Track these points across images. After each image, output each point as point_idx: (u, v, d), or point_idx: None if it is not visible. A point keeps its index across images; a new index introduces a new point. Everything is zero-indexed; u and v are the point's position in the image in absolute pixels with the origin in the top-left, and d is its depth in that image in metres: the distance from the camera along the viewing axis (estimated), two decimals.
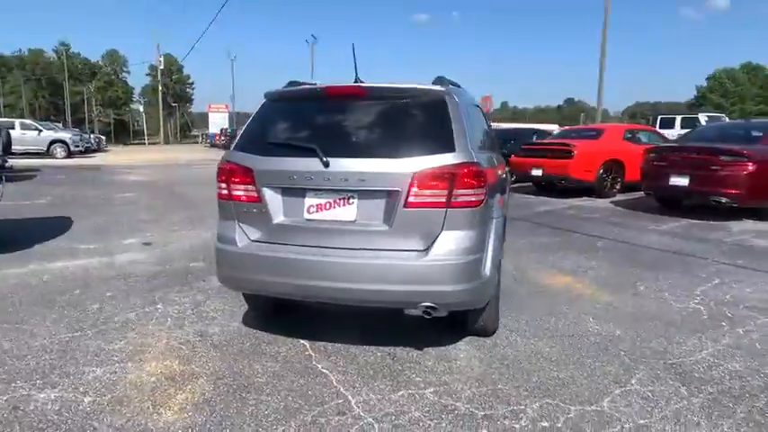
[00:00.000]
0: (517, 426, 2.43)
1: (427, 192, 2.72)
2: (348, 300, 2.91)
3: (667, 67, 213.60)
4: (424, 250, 2.76)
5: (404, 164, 2.75)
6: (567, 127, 19.42)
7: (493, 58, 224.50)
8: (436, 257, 2.72)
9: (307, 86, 3.21)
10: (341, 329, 3.51)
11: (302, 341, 3.36)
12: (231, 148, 3.18)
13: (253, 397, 2.69)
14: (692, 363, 3.09)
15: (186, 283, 4.64)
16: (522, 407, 2.59)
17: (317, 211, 2.88)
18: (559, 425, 2.44)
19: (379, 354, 3.19)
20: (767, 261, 5.52)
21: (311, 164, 2.83)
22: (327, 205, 2.86)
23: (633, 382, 2.85)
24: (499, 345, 3.34)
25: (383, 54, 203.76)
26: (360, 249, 2.80)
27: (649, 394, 2.71)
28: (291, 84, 3.41)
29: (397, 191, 2.75)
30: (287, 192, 2.93)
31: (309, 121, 3.09)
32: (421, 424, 2.45)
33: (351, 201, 2.83)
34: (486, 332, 3.38)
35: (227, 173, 3.05)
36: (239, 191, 3.01)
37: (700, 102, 77.20)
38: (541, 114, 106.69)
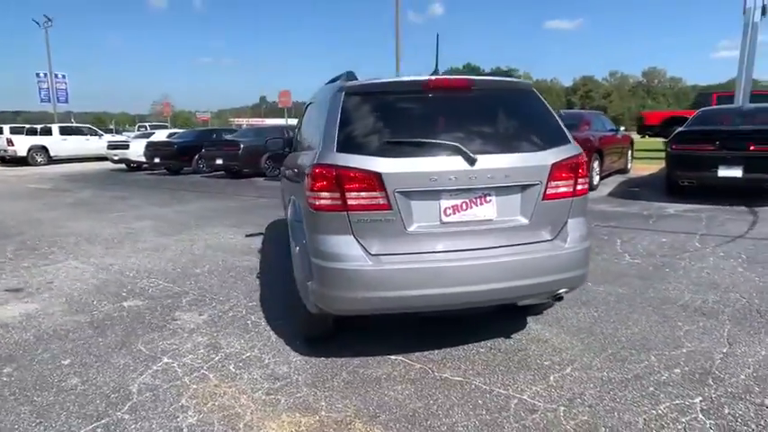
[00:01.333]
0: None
1: (561, 182, 2.80)
2: (491, 301, 2.80)
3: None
4: (552, 239, 2.84)
5: (542, 156, 2.77)
6: None
7: None
8: (570, 245, 2.83)
9: (402, 79, 2.90)
10: (409, 337, 3.32)
11: (394, 357, 3.08)
12: (322, 150, 2.70)
13: (438, 423, 2.41)
14: None
15: (147, 327, 3.66)
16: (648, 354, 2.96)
17: (453, 213, 2.68)
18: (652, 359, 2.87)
19: (482, 350, 3.15)
20: None
21: (453, 162, 2.62)
22: (464, 206, 2.69)
23: None
24: (562, 318, 3.62)
25: None
26: (500, 247, 2.72)
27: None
28: (350, 76, 3.04)
29: (537, 184, 2.76)
30: (421, 195, 2.64)
31: (420, 116, 2.81)
32: (606, 396, 2.58)
33: (488, 198, 2.71)
34: (540, 310, 3.62)
35: (338, 179, 2.59)
36: (361, 199, 2.59)
37: None
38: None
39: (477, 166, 2.63)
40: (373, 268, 2.57)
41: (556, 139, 2.87)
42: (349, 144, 2.65)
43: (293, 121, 20.68)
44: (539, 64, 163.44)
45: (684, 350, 3.07)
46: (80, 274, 5.04)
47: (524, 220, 2.77)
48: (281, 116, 31.89)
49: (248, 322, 3.70)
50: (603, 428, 2.34)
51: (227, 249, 5.93)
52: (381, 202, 2.60)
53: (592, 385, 2.71)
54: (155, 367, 3.03)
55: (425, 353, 3.12)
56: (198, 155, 15.77)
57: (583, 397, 2.61)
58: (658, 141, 15.16)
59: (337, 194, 2.59)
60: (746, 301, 3.84)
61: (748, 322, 3.46)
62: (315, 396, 2.67)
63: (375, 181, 2.58)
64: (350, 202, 2.58)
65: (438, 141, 2.65)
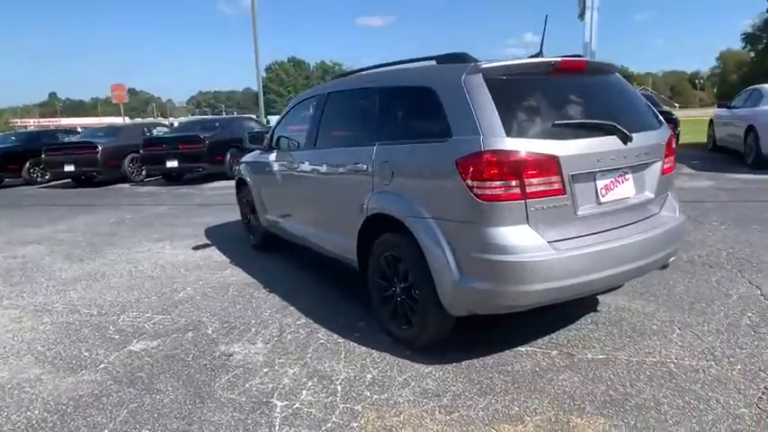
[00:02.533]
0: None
1: (669, 158, 2.97)
2: (638, 276, 2.87)
3: (229, 58, 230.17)
4: (659, 212, 3.01)
5: (662, 133, 2.92)
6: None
7: None
8: (680, 216, 3.03)
9: (534, 60, 2.71)
10: (509, 329, 3.23)
11: (524, 349, 2.97)
12: (486, 137, 2.42)
13: (641, 400, 2.39)
14: None
15: (202, 370, 2.96)
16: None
17: (605, 194, 2.64)
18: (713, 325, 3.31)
19: (590, 326, 3.20)
20: None
21: (612, 142, 2.59)
22: (612, 185, 2.67)
23: None
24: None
25: None
26: (638, 222, 2.79)
27: None
28: (463, 57, 2.79)
29: (659, 160, 2.88)
30: (585, 177, 2.56)
31: (562, 98, 2.69)
32: (731, 342, 2.85)
33: (627, 176, 2.73)
34: None
35: (516, 166, 2.36)
36: (541, 185, 2.40)
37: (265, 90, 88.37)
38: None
39: (631, 144, 2.65)
40: (555, 257, 2.43)
41: (658, 117, 3.04)
42: (513, 129, 2.43)
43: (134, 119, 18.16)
44: (361, 59, 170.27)
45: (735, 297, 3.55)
46: (15, 321, 3.81)
47: (651, 195, 2.88)
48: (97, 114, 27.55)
49: (322, 341, 3.21)
50: (761, 372, 2.58)
51: (189, 266, 5.03)
52: (557, 186, 2.46)
53: (710, 338, 2.97)
54: (278, 415, 2.46)
55: (545, 339, 3.08)
56: (30, 162, 12.98)
57: (713, 348, 2.84)
58: None
59: (514, 182, 2.38)
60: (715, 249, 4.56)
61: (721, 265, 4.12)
62: (501, 403, 2.45)
63: (554, 165, 2.43)
64: (529, 189, 2.39)
65: (599, 122, 2.60)
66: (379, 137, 3.12)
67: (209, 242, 5.94)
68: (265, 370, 2.90)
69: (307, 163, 3.91)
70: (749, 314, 3.26)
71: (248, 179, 5.19)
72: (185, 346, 3.25)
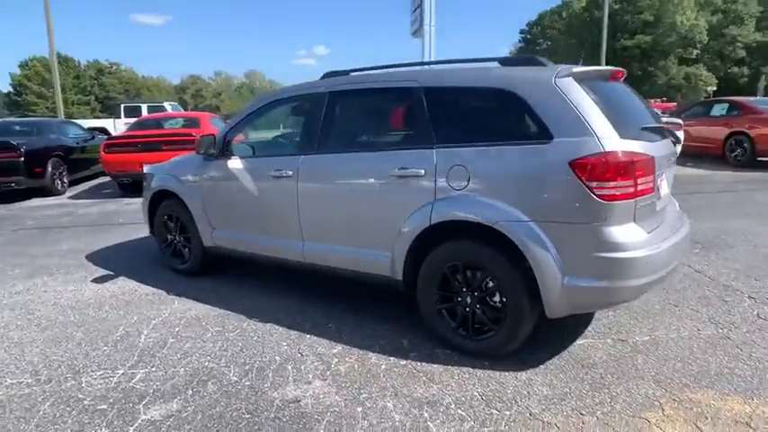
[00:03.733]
0: None
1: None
2: None
3: None
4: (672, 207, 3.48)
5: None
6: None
7: None
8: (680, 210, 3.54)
9: (605, 68, 2.83)
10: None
11: (581, 342, 3.12)
12: (603, 137, 2.47)
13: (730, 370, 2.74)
14: None
15: (269, 425, 2.42)
16: None
17: (659, 191, 2.93)
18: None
19: (615, 312, 3.52)
20: None
21: (669, 144, 2.88)
22: (661, 183, 2.96)
23: None
24: None
25: None
26: (673, 218, 3.16)
27: None
28: (534, 60, 2.82)
29: (674, 160, 3.30)
30: (659, 176, 2.79)
31: (617, 102, 2.87)
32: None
33: (663, 176, 3.08)
34: None
35: (632, 166, 2.48)
36: (645, 184, 2.57)
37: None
38: None
39: (677, 147, 3.01)
40: (657, 251, 2.62)
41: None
42: (618, 130, 2.56)
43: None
44: (141, 60, 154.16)
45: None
46: None
47: (669, 191, 3.31)
48: None
49: (384, 366, 2.88)
50: None
51: (114, 304, 3.95)
52: (652, 185, 2.67)
53: (689, 310, 3.56)
54: None
55: (588, 330, 3.28)
56: None
57: (700, 315, 3.41)
58: None
59: (630, 181, 2.51)
60: None
61: None
62: (621, 393, 2.55)
63: (652, 165, 2.63)
64: (639, 188, 2.54)
65: (661, 126, 2.89)
66: (436, 140, 2.94)
67: (110, 272, 4.75)
68: (359, 409, 2.49)
69: (308, 170, 3.46)
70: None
71: (182, 192, 4.33)
72: (225, 402, 2.58)
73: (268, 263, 3.99)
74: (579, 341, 3.12)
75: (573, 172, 2.50)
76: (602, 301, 2.69)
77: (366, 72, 3.53)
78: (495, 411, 2.44)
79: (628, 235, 2.54)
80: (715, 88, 44.01)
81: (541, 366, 2.84)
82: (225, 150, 4.01)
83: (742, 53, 46.46)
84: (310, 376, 2.81)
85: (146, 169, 5.00)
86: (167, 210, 4.60)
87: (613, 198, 2.49)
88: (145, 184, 4.88)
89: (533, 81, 2.73)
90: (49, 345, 3.27)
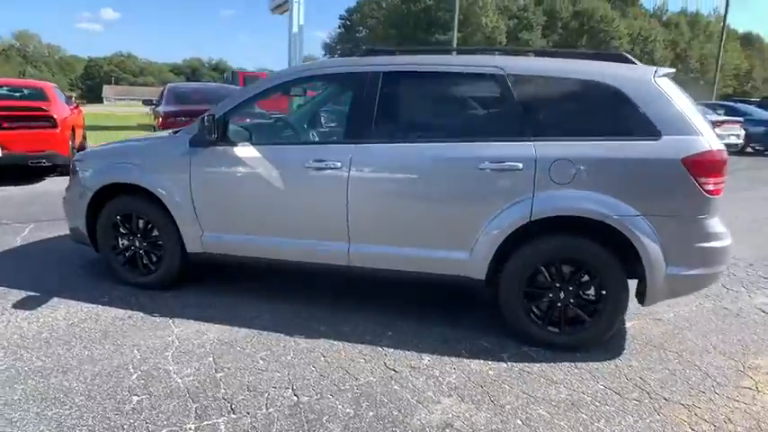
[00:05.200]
0: None
1: None
2: None
3: None
4: None
5: None
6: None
7: None
8: None
9: (671, 69, 2.95)
10: None
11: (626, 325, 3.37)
12: (707, 136, 2.64)
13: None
14: None
15: None
16: None
17: None
18: None
19: None
20: None
21: None
22: None
23: None
24: None
25: None
26: None
27: None
28: (625, 57, 2.90)
29: None
30: None
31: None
32: None
33: None
34: None
35: (726, 163, 2.71)
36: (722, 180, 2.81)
37: None
38: None
39: None
40: (731, 240, 2.92)
41: None
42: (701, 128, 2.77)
43: None
44: None
45: None
46: None
47: None
48: None
49: (493, 372, 2.74)
50: None
51: (92, 335, 2.97)
52: None
53: None
54: None
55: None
56: None
57: None
58: None
59: (724, 178, 2.75)
60: None
61: None
62: (709, 367, 2.83)
63: None
64: (721, 184, 2.80)
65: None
66: (532, 132, 2.85)
67: (36, 293, 3.54)
68: (519, 422, 2.32)
69: (365, 162, 3.04)
70: None
71: (155, 187, 3.42)
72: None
73: (275, 268, 3.44)
74: (628, 323, 3.37)
75: (685, 168, 2.66)
76: (693, 288, 2.94)
77: (420, 54, 3.24)
78: (635, 401, 2.51)
79: (720, 227, 2.80)
80: None
81: (625, 352, 3.00)
82: (221, 135, 3.28)
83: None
84: (431, 394, 2.52)
85: (77, 157, 3.84)
86: (122, 208, 3.61)
87: (715, 192, 2.72)
88: (77, 175, 3.75)
89: (636, 79, 2.81)
90: (42, 409, 2.33)
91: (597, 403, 2.48)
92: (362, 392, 2.52)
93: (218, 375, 2.63)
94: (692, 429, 2.31)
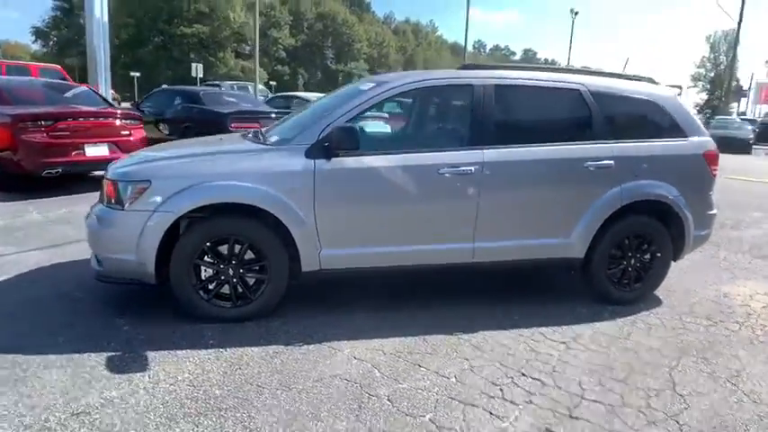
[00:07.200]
0: None
1: None
2: None
3: None
4: None
5: None
6: None
7: None
8: None
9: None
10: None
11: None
12: (709, 137, 3.82)
13: None
14: None
15: None
16: None
17: None
18: None
19: None
20: None
21: None
22: None
23: None
24: None
25: None
26: None
27: None
28: (650, 79, 3.87)
29: None
30: None
31: None
32: None
33: None
34: None
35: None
36: None
37: None
38: None
39: None
40: None
41: None
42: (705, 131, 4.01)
43: None
44: None
45: None
46: None
47: None
48: None
49: (617, 338, 3.46)
50: None
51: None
52: None
53: None
54: None
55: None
56: None
57: None
58: None
59: (718, 166, 4.00)
60: None
61: None
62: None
63: None
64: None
65: None
66: (611, 135, 3.63)
67: (146, 349, 2.71)
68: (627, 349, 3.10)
69: (495, 165, 3.36)
70: None
71: (274, 205, 3.03)
72: None
73: (390, 275, 3.49)
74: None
75: (704, 159, 3.83)
76: (700, 244, 4.13)
77: (513, 69, 3.70)
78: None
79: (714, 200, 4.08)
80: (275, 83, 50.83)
81: (659, 307, 4.03)
82: (347, 145, 3.15)
83: (283, 54, 55.65)
84: (565, 346, 3.10)
85: (141, 172, 3.01)
86: (215, 232, 3.07)
87: (716, 175, 3.97)
88: (137, 196, 2.97)
89: (668, 96, 3.87)
90: None
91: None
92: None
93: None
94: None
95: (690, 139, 3.86)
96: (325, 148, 3.13)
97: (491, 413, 2.43)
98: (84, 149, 6.58)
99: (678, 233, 3.84)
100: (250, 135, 3.80)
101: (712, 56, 72.98)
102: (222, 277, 3.14)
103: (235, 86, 19.65)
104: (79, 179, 7.18)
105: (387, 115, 7.40)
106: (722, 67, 63.55)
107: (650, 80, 4.10)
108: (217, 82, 21.45)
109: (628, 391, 2.68)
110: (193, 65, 28.52)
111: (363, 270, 3.38)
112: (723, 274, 4.72)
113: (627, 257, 3.79)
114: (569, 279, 4.18)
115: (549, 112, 3.81)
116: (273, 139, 3.47)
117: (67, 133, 6.47)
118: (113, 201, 3.13)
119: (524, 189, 3.53)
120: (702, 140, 3.90)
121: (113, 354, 2.78)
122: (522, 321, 3.43)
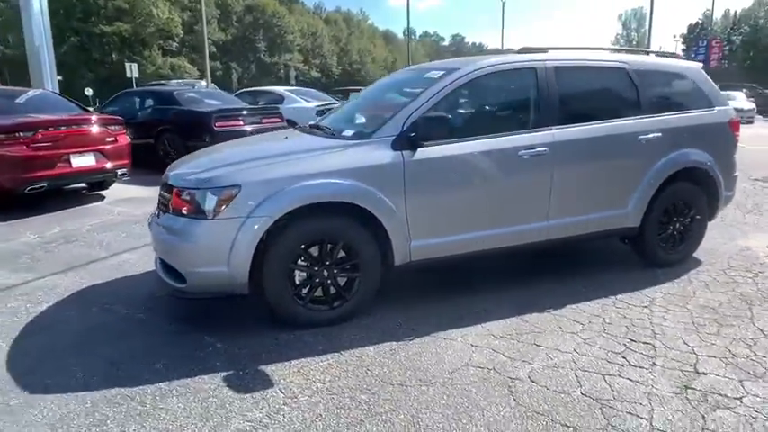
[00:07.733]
0: None
1: None
2: None
3: None
4: None
5: None
6: None
7: None
8: None
9: None
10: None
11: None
12: (730, 106, 4.10)
13: None
14: None
15: None
16: None
17: None
18: None
19: None
20: None
21: None
22: None
23: None
24: None
25: None
26: None
27: None
28: (675, 54, 4.09)
29: None
30: None
31: None
32: None
33: None
34: None
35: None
36: None
37: None
38: None
39: None
40: None
41: None
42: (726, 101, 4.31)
43: None
44: None
45: None
46: None
47: None
48: None
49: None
50: None
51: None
52: None
53: None
54: None
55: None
56: None
57: None
58: None
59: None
60: None
61: None
62: None
63: None
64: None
65: None
66: (654, 109, 3.83)
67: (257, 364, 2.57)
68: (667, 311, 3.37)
69: (565, 144, 3.47)
70: None
71: (372, 203, 3.01)
72: None
73: (472, 259, 3.54)
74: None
75: (729, 127, 4.13)
76: (726, 204, 4.44)
77: (563, 50, 3.81)
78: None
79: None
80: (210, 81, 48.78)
81: (701, 266, 4.32)
82: (430, 134, 3.15)
83: (213, 48, 53.42)
84: (643, 307, 3.32)
85: (229, 177, 2.83)
86: (310, 234, 2.98)
87: (738, 141, 4.29)
88: (230, 202, 2.82)
89: (696, 70, 4.13)
90: None
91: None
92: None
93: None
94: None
95: (716, 108, 4.14)
96: (410, 139, 3.11)
97: (630, 379, 2.54)
98: (69, 160, 6.06)
99: (712, 196, 4.13)
100: (313, 130, 3.71)
101: (625, 33, 78.03)
102: (317, 280, 3.06)
103: (182, 84, 18.70)
104: (54, 194, 6.62)
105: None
106: (634, 43, 67.90)
107: (674, 55, 4.35)
108: (163, 81, 20.32)
109: (729, 343, 2.89)
110: (127, 65, 26.78)
111: (449, 258, 3.40)
112: (731, 230, 5.12)
113: (672, 222, 4.04)
114: (601, 249, 4.43)
115: (602, 91, 3.96)
116: (348, 133, 3.39)
117: (50, 144, 5.92)
118: (191, 210, 2.95)
119: (589, 166, 3.66)
120: (727, 109, 4.21)
121: (227, 373, 2.65)
122: (592, 292, 3.58)
